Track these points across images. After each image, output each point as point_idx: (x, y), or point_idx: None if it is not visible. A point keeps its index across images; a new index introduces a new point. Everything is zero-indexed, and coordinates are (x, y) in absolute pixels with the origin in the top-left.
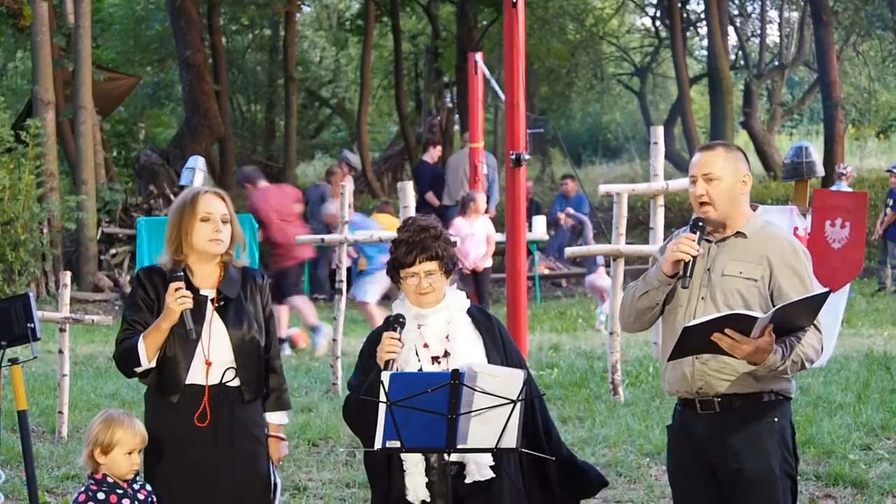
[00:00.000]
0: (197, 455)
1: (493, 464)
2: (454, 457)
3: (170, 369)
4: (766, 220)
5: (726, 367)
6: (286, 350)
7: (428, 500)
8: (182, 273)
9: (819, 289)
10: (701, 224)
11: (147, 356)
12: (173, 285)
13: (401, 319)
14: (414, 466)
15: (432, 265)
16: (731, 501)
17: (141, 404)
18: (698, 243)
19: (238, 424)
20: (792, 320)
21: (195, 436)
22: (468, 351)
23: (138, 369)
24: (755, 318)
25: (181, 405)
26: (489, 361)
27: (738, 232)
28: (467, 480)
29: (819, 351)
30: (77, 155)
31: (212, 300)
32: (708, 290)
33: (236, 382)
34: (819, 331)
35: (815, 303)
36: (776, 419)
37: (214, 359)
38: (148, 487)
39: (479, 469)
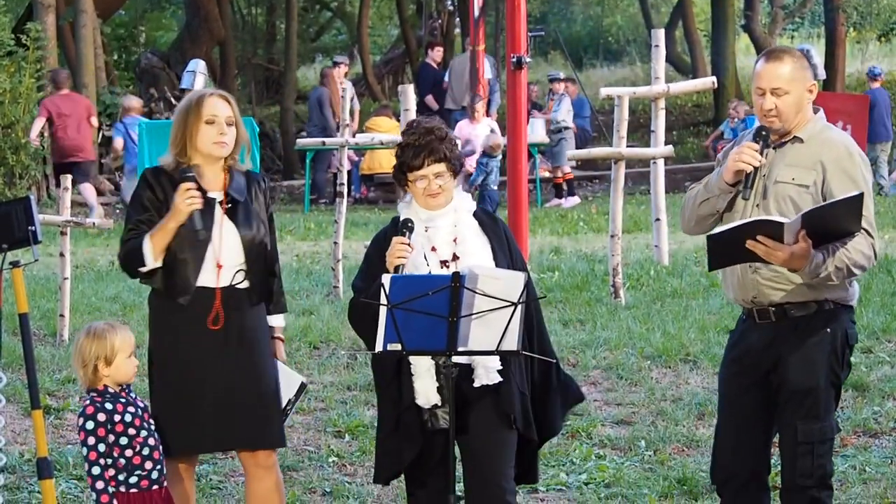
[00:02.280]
0: (207, 358)
1: (500, 368)
2: (461, 360)
3: (180, 271)
4: (825, 125)
5: (779, 276)
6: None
7: (439, 403)
8: (193, 173)
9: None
10: (764, 133)
11: (153, 256)
12: (184, 185)
13: (409, 224)
14: (425, 371)
15: (440, 167)
16: (776, 409)
17: (142, 307)
18: (761, 153)
19: (248, 327)
20: (830, 225)
21: (206, 339)
22: (477, 254)
23: (143, 269)
24: (782, 224)
25: (191, 308)
26: (496, 265)
27: (795, 137)
28: (475, 384)
29: (871, 257)
30: (77, 58)
31: (220, 202)
32: (762, 197)
33: (245, 285)
34: (871, 235)
35: (851, 205)
36: (829, 329)
37: (225, 261)
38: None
39: (488, 373)
